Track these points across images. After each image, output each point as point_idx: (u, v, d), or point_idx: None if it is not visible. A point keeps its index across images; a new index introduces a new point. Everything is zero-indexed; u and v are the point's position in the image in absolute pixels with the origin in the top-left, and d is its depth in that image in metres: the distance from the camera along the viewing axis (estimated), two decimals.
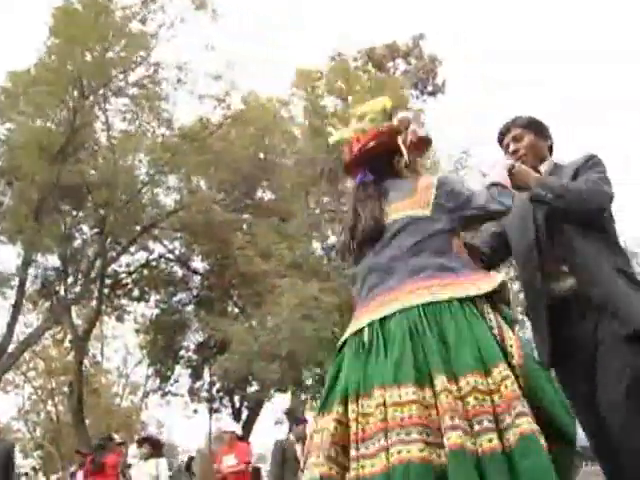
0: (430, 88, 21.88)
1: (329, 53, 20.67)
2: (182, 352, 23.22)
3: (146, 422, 30.34)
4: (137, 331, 24.50)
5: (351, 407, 2.19)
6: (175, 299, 23.38)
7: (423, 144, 2.74)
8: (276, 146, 21.36)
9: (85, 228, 21.35)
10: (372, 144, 2.64)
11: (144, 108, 19.76)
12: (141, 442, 10.86)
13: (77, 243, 21.31)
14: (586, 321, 2.61)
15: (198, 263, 23.28)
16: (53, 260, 21.23)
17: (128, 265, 23.16)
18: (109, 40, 17.36)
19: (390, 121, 2.70)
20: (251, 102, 21.22)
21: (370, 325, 2.31)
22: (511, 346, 2.19)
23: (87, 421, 22.69)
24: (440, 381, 2.07)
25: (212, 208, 20.31)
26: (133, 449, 14.10)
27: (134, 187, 19.28)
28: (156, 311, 23.62)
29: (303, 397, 20.38)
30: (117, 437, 11.62)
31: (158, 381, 24.11)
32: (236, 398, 23.17)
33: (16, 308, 17.44)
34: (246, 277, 19.08)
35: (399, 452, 1.98)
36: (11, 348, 18.60)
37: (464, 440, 1.95)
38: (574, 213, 2.64)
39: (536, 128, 2.97)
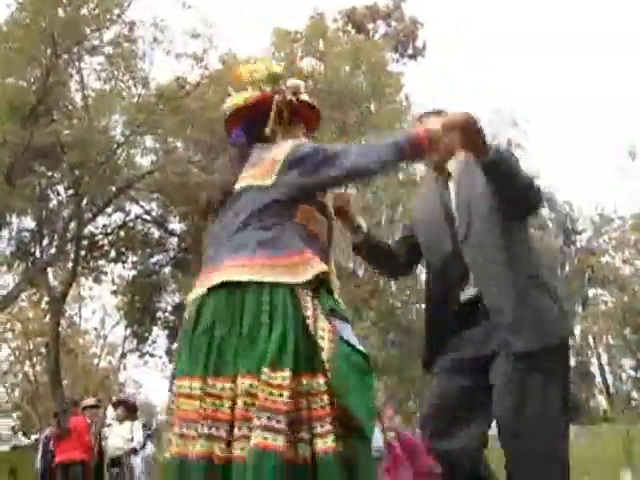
0: (410, 51, 21.68)
1: (309, 13, 20.35)
2: (159, 313, 23.25)
3: (124, 383, 30.42)
4: (114, 292, 24.41)
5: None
6: (152, 260, 23.34)
7: (308, 110, 2.69)
8: None
9: (60, 189, 21.12)
10: (242, 104, 2.63)
11: (120, 67, 19.37)
12: (116, 405, 10.94)
13: (52, 204, 21.10)
14: (483, 330, 2.55)
15: (175, 224, 23.19)
16: (27, 222, 21.05)
17: (105, 226, 22.98)
18: None
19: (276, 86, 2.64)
20: (229, 62, 20.88)
21: (195, 299, 2.33)
22: (322, 339, 2.09)
23: (65, 382, 22.73)
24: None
25: (188, 169, 20.10)
26: (110, 411, 14.18)
27: (109, 148, 19.00)
28: (133, 272, 23.57)
29: None
30: (92, 400, 11.59)
31: (135, 342, 24.18)
32: None
33: None
34: None
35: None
36: None
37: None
38: (522, 204, 2.51)
39: None
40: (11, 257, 20.74)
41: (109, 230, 22.92)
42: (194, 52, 19.47)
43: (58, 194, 21.05)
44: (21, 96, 16.54)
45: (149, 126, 19.18)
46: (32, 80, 17.35)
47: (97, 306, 30.21)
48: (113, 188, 20.25)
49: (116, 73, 19.44)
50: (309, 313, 2.12)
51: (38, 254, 20.51)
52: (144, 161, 21.24)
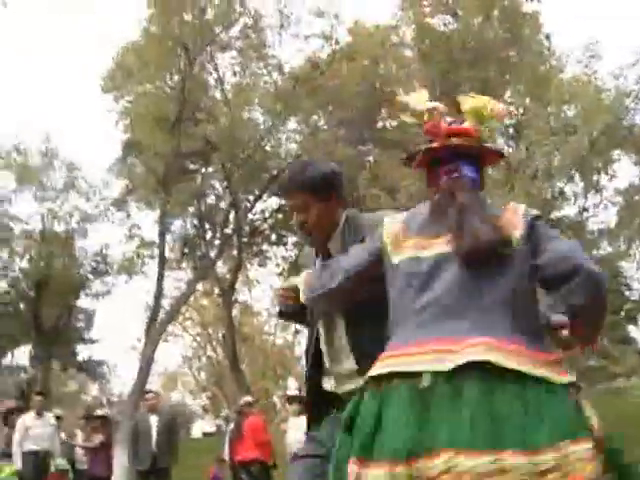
0: None
1: None
2: None
3: (300, 357, 31.46)
4: (280, 274, 25.15)
5: (404, 468, 1.80)
6: None
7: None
8: (390, 74, 20.73)
9: (216, 184, 21.92)
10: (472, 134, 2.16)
11: (252, 58, 19.67)
12: (290, 400, 11.21)
13: (210, 200, 21.96)
14: None
15: None
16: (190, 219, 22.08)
17: (262, 212, 23.66)
18: None
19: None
20: (358, 33, 20.59)
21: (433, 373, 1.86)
22: None
23: (244, 364, 23.89)
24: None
25: (334, 147, 20.16)
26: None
27: (255, 138, 19.47)
28: (295, 252, 24.13)
29: None
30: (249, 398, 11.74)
31: None
32: None
33: (161, 269, 18.28)
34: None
35: None
36: (167, 304, 19.76)
37: None
38: None
39: (318, 189, 2.40)
40: (181, 257, 21.85)
41: (267, 215, 23.57)
42: (322, 31, 19.34)
43: (214, 189, 21.86)
44: (163, 106, 17.24)
45: (289, 111, 19.44)
46: (171, 88, 18.00)
47: (265, 287, 31.25)
48: (266, 175, 20.80)
49: (249, 64, 19.75)
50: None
51: (204, 248, 21.46)
52: (291, 145, 21.58)
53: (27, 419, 9.80)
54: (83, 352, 35.88)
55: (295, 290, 2.34)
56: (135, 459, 10.08)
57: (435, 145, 2.17)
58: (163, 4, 16.73)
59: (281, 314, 2.55)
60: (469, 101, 2.26)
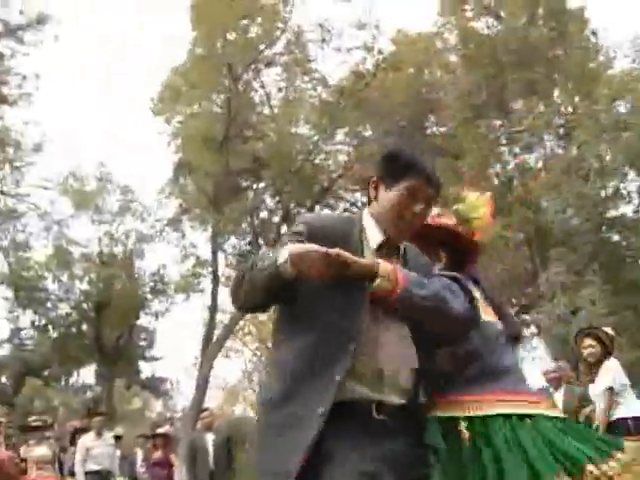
0: None
1: None
2: None
3: None
4: None
5: None
6: None
7: None
8: (436, 80, 20.64)
9: (267, 199, 22.08)
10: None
11: (296, 73, 19.82)
12: None
13: (263, 214, 22.12)
14: None
15: None
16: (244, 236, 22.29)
17: None
18: (249, 16, 17.52)
19: None
20: (401, 42, 20.54)
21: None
22: None
23: None
24: None
25: None
26: None
27: (303, 152, 19.59)
28: None
29: None
30: None
31: None
32: None
33: (214, 286, 18.48)
34: None
35: None
36: (226, 320, 19.90)
37: None
38: None
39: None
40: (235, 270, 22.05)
41: None
42: (364, 42, 19.35)
43: (266, 204, 22.01)
44: (211, 126, 17.49)
45: (336, 124, 19.49)
46: (220, 107, 18.26)
47: None
48: (316, 187, 20.87)
49: (293, 79, 19.90)
50: None
51: None
52: (340, 157, 21.60)
53: (87, 439, 9.98)
54: (146, 370, 36.58)
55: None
56: (193, 477, 10.20)
57: None
58: (207, 26, 17.01)
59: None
60: (463, 201, 2.47)
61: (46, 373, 30.62)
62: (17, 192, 20.23)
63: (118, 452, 10.72)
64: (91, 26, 44.01)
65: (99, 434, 10.03)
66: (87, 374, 31.54)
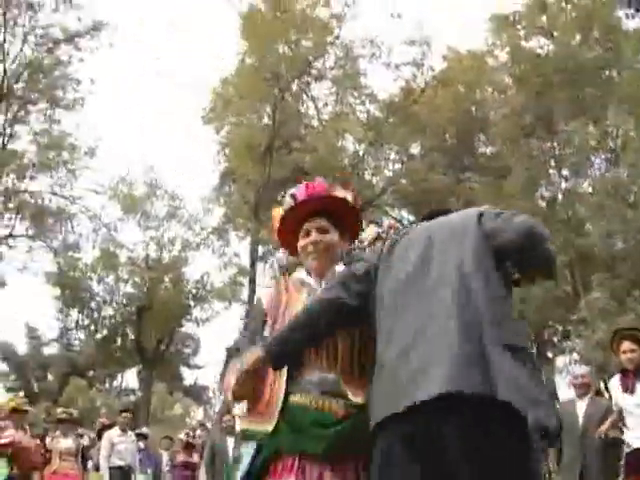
0: None
1: None
2: None
3: None
4: None
5: None
6: None
7: None
8: (486, 99, 20.49)
9: None
10: None
11: (346, 88, 19.92)
12: None
13: None
14: None
15: None
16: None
17: (360, 241, 23.65)
18: (299, 29, 17.70)
19: None
20: (452, 59, 20.50)
21: None
22: None
23: None
24: None
25: (428, 175, 19.99)
26: None
27: (349, 166, 19.65)
28: None
29: (550, 355, 19.72)
30: None
31: None
32: None
33: (251, 295, 18.60)
34: None
35: None
36: None
37: None
38: None
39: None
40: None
41: (366, 243, 23.53)
42: (413, 58, 19.37)
43: None
44: (255, 136, 17.69)
45: (383, 139, 19.50)
46: (264, 118, 18.48)
47: None
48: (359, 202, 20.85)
49: (343, 94, 20.00)
50: None
51: None
52: (387, 173, 21.60)
53: (113, 435, 10.12)
54: (189, 377, 36.98)
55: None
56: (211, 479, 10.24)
57: None
58: (257, 38, 17.27)
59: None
60: None
61: (90, 374, 31.26)
62: (70, 194, 20.80)
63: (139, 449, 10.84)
64: (144, 34, 45.23)
65: (124, 430, 10.17)
66: (130, 378, 32.14)
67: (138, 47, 44.21)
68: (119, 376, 33.09)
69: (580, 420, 5.83)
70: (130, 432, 10.55)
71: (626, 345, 5.21)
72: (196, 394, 35.29)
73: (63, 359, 30.67)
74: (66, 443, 9.19)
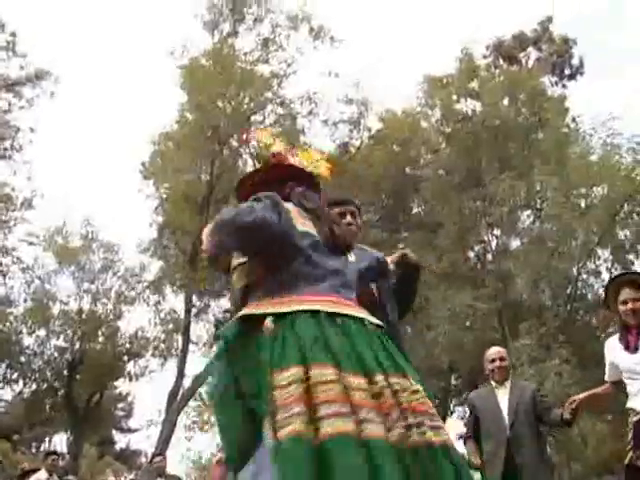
0: (568, 71, 20.71)
1: (455, 54, 20.19)
2: None
3: None
4: None
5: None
6: None
7: None
8: (419, 157, 21.27)
9: None
10: None
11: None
12: None
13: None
14: None
15: None
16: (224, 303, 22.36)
17: None
18: (239, 86, 18.19)
19: None
20: (388, 120, 21.26)
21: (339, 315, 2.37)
22: None
23: None
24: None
25: (364, 231, 20.43)
26: None
27: None
28: None
29: None
30: None
31: None
32: None
33: (183, 352, 18.51)
34: None
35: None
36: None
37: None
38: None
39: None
40: (213, 339, 22.07)
41: None
42: (350, 117, 20.04)
43: None
44: (193, 188, 17.92)
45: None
46: (202, 171, 18.75)
47: None
48: None
49: None
50: None
51: None
52: None
53: (42, 478, 9.73)
54: (121, 441, 35.76)
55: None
56: None
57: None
58: (197, 92, 17.67)
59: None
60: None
61: (15, 437, 30.01)
62: (3, 245, 20.44)
63: None
64: (86, 84, 45.49)
65: (51, 475, 9.86)
66: (58, 443, 30.93)
67: (79, 97, 44.32)
68: (46, 440, 31.88)
69: (505, 411, 5.11)
70: (57, 478, 10.25)
71: (626, 293, 4.24)
72: (128, 459, 34.20)
73: None
74: None
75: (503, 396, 5.22)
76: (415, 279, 3.61)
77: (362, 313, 2.45)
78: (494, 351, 5.49)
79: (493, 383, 5.36)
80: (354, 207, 3.35)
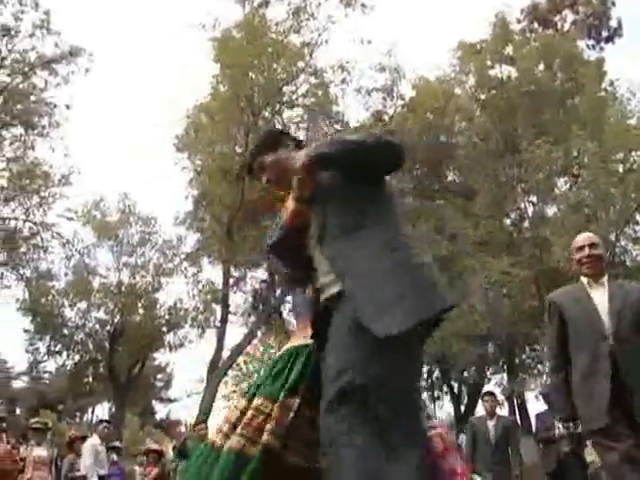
0: (605, 33, 20.26)
1: (489, 19, 19.88)
2: None
3: None
4: None
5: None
6: None
7: None
8: (453, 125, 21.07)
9: None
10: None
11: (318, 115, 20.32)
12: None
13: None
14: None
15: None
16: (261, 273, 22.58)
17: None
18: (271, 57, 18.16)
19: None
20: (421, 87, 21.08)
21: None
22: None
23: None
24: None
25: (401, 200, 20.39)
26: None
27: None
28: None
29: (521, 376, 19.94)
30: None
31: None
32: (455, 384, 23.07)
33: (223, 323, 18.70)
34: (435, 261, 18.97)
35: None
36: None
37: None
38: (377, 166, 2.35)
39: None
40: (249, 307, 22.28)
41: None
42: (383, 85, 19.90)
43: None
44: (228, 159, 17.99)
45: None
46: (236, 143, 18.81)
47: None
48: None
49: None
50: None
51: (273, 301, 21.71)
52: None
53: (96, 443, 9.87)
54: (161, 411, 36.44)
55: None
56: None
57: None
58: (230, 63, 17.68)
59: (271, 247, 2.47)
60: None
61: (60, 407, 30.86)
62: (43, 221, 20.79)
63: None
64: (119, 59, 45.75)
65: (103, 440, 10.08)
66: (101, 413, 31.71)
67: (113, 73, 44.64)
68: (89, 410, 32.72)
69: (604, 315, 3.74)
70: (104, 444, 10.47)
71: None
72: (168, 429, 34.88)
73: (32, 393, 30.30)
74: (39, 451, 9.16)
75: (601, 296, 3.88)
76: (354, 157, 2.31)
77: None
78: (583, 237, 4.12)
79: (584, 280, 3.96)
80: None
